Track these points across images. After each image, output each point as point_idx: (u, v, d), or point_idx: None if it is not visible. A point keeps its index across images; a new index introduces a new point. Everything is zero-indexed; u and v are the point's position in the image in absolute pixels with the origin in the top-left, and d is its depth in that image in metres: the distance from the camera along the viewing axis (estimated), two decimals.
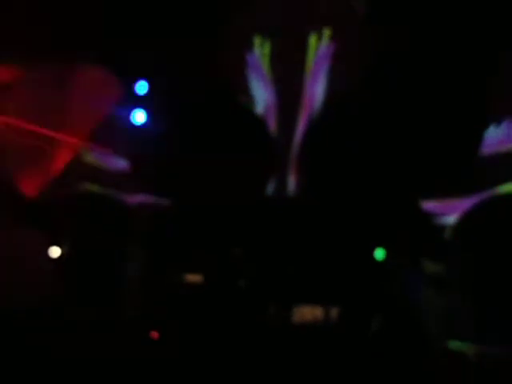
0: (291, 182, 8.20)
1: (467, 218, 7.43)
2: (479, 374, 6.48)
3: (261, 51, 8.21)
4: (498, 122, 7.26)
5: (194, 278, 8.21)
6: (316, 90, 8.17)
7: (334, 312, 7.75)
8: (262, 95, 8.24)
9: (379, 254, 7.96)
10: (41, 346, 6.32)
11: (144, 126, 8.04)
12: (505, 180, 7.03)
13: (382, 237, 8.06)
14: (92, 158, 7.90)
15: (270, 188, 8.21)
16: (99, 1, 7.36)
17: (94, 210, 7.93)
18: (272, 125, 8.28)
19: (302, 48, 8.12)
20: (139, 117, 7.99)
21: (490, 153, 7.30)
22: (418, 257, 7.87)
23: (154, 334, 7.22)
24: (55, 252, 7.98)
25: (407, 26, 7.37)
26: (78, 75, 7.71)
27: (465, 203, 7.43)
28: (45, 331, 6.65)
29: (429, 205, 7.65)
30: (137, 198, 8.06)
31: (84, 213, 7.90)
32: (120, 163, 8.08)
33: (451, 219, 7.54)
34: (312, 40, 8.10)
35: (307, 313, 7.81)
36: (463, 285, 7.20)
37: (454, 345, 7.05)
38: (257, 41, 8.17)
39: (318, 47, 8.09)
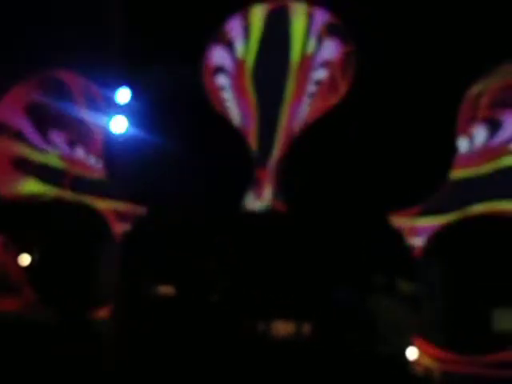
0: (267, 196, 8.27)
1: (437, 239, 7.60)
2: None
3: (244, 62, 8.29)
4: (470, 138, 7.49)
5: (167, 289, 8.12)
6: (297, 107, 8.30)
7: (307, 327, 7.78)
8: (241, 109, 8.34)
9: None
10: (9, 355, 6.18)
11: (123, 134, 7.99)
12: (474, 201, 7.24)
13: (353, 254, 8.17)
14: (69, 164, 7.79)
15: (247, 200, 8.27)
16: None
17: (68, 216, 7.78)
18: (251, 138, 8.38)
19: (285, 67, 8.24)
20: (119, 125, 7.94)
21: (461, 173, 7.54)
22: (391, 275, 8.01)
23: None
24: (25, 259, 7.80)
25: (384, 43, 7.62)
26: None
27: (435, 224, 7.61)
28: (14, 340, 6.49)
29: (400, 225, 7.80)
30: (113, 206, 7.96)
31: (57, 220, 7.75)
32: (97, 170, 7.99)
33: (421, 239, 7.71)
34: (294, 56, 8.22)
35: (280, 328, 7.81)
36: (433, 303, 7.34)
37: (423, 361, 7.17)
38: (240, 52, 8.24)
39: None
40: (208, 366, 6.82)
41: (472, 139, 7.47)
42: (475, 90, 7.44)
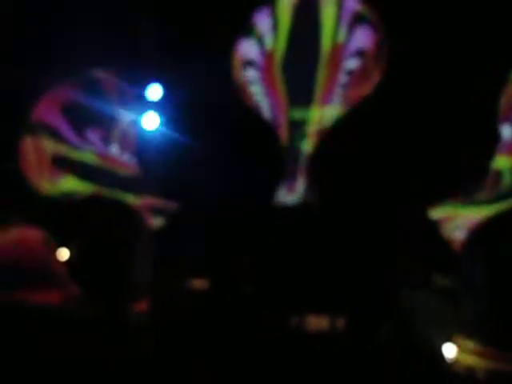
0: (299, 189, 8.17)
1: (478, 231, 7.29)
2: None
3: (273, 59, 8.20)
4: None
5: (200, 283, 8.21)
6: (329, 99, 8.14)
7: (341, 322, 7.66)
8: (272, 102, 8.25)
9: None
10: (49, 344, 6.38)
11: (156, 130, 8.11)
12: None
13: (391, 248, 7.97)
14: (102, 161, 8.00)
15: (279, 195, 8.21)
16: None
17: (104, 213, 8.00)
18: (282, 131, 8.29)
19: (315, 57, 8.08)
20: (151, 121, 8.07)
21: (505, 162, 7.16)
22: (429, 269, 7.76)
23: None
24: (64, 254, 8.06)
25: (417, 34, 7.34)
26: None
27: (477, 216, 7.29)
28: (53, 331, 6.71)
29: (440, 217, 7.53)
30: (147, 201, 8.12)
31: (93, 215, 7.98)
32: (131, 167, 8.17)
33: (463, 231, 7.40)
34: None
35: (314, 322, 7.74)
36: (475, 298, 7.05)
37: (463, 359, 6.90)
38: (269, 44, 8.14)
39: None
40: (242, 360, 6.85)
41: None
42: None
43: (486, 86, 7.19)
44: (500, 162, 7.31)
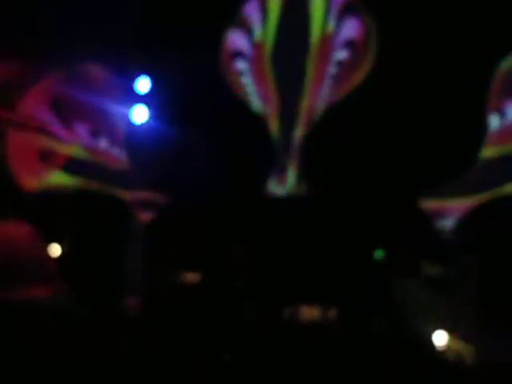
0: (290, 180, 8.18)
1: (468, 220, 7.37)
2: (476, 379, 6.41)
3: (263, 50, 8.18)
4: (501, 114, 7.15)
5: (193, 277, 8.20)
6: (319, 89, 8.14)
7: (333, 312, 7.71)
8: (261, 93, 8.24)
9: (378, 254, 7.91)
10: (40, 343, 6.34)
11: (145, 123, 8.06)
12: (507, 180, 6.95)
13: (381, 238, 8.02)
14: (91, 155, 7.94)
15: (270, 186, 8.21)
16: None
17: (93, 207, 7.95)
18: (272, 123, 8.28)
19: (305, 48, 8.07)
20: (140, 114, 8.01)
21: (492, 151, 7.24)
22: (418, 259, 7.82)
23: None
24: (56, 250, 8.02)
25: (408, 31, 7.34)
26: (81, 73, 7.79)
27: (466, 205, 7.37)
28: (44, 328, 6.67)
29: (428, 207, 7.59)
30: (137, 195, 8.08)
31: (82, 210, 7.94)
32: (121, 160, 8.11)
33: (451, 221, 7.48)
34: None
35: (306, 313, 7.78)
36: (464, 287, 7.14)
37: (452, 347, 7.00)
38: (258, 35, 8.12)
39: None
40: (233, 353, 6.86)
41: (503, 115, 7.15)
42: (506, 63, 7.11)
43: (474, 77, 7.24)
44: (487, 151, 7.40)
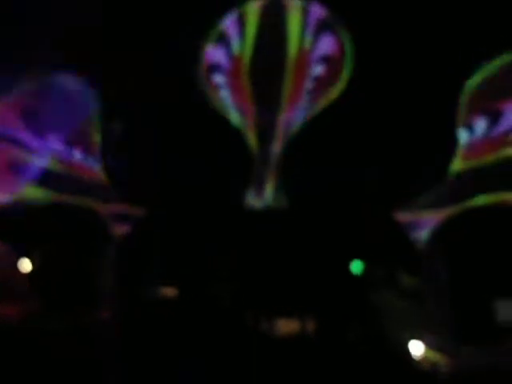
0: (268, 193, 8.20)
1: (441, 232, 7.57)
2: None
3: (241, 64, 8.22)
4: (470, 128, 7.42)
5: (168, 290, 8.08)
6: (296, 103, 8.22)
7: (310, 325, 7.74)
8: (239, 107, 8.25)
9: (356, 266, 8.02)
10: (11, 358, 6.14)
11: (121, 135, 7.93)
12: (477, 192, 7.19)
13: (357, 250, 8.13)
14: (64, 167, 7.72)
15: (248, 198, 8.20)
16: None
17: (66, 221, 7.73)
18: (250, 136, 8.30)
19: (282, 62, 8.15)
20: (116, 127, 7.87)
21: (462, 165, 7.49)
22: (393, 270, 7.97)
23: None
24: (26, 265, 7.74)
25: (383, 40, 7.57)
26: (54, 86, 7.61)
27: (438, 216, 7.56)
28: (15, 344, 6.44)
29: (403, 218, 7.75)
30: (112, 208, 7.90)
31: (55, 224, 7.70)
32: (95, 172, 7.93)
33: (425, 232, 7.65)
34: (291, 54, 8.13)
35: (283, 325, 7.77)
36: (438, 296, 7.30)
37: (428, 356, 7.13)
38: (236, 49, 8.16)
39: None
40: (212, 366, 6.78)
41: (472, 130, 7.41)
42: (473, 81, 7.40)
43: (444, 94, 7.52)
44: (457, 164, 7.65)
